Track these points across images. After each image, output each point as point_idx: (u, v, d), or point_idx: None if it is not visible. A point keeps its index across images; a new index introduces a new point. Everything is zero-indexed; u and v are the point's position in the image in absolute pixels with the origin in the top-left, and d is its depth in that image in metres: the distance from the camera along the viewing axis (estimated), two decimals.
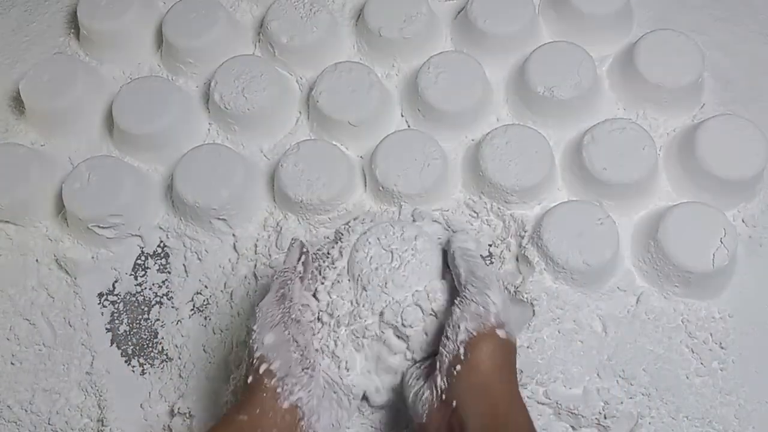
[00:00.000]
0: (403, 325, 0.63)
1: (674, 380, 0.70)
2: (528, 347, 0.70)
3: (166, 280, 0.80)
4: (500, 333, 0.57)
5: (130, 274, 0.80)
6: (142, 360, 0.76)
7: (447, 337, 0.58)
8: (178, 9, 0.88)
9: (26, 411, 0.74)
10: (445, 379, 0.56)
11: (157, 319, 0.78)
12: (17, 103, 0.90)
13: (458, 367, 0.56)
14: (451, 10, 0.90)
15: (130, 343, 0.77)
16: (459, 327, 0.57)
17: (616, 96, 0.83)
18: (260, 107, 0.82)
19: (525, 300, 0.71)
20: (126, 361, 0.76)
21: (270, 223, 0.79)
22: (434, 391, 0.57)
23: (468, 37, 0.86)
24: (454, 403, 0.55)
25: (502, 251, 0.76)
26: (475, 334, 0.56)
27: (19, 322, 0.78)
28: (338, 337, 0.64)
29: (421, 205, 0.77)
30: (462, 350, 0.56)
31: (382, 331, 0.64)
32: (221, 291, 0.77)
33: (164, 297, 0.79)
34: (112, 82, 0.90)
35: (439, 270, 0.67)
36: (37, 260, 0.81)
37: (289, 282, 0.62)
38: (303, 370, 0.58)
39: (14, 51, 0.95)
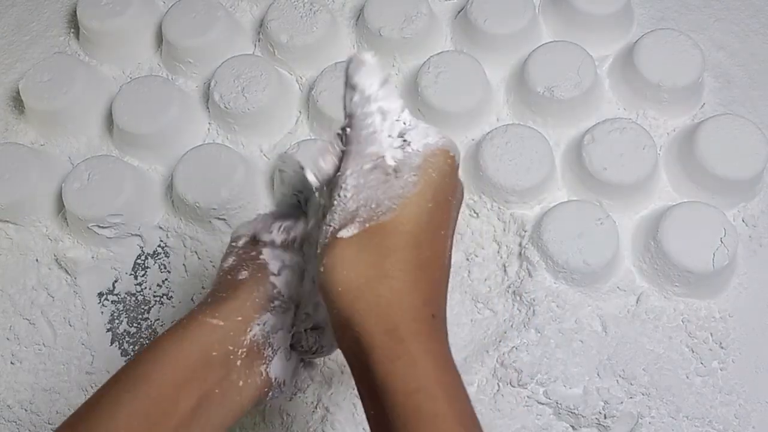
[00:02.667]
0: None
1: (674, 380, 0.70)
2: (528, 347, 0.70)
3: (166, 279, 0.80)
4: (342, 233, 0.41)
5: (130, 274, 0.80)
6: None
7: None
8: (177, 8, 0.88)
9: (26, 411, 0.74)
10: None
11: (157, 319, 0.78)
12: (17, 102, 0.90)
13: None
14: (451, 9, 0.90)
15: (130, 342, 0.77)
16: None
17: (616, 96, 0.83)
18: (260, 107, 0.82)
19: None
20: (126, 361, 0.76)
21: None
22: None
23: (468, 37, 0.86)
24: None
25: (501, 251, 0.76)
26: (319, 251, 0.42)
27: (18, 321, 0.78)
28: None
29: None
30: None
31: None
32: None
33: (164, 297, 0.79)
34: (112, 81, 0.90)
35: None
36: (37, 260, 0.81)
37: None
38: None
39: (14, 50, 0.95)
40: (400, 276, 0.40)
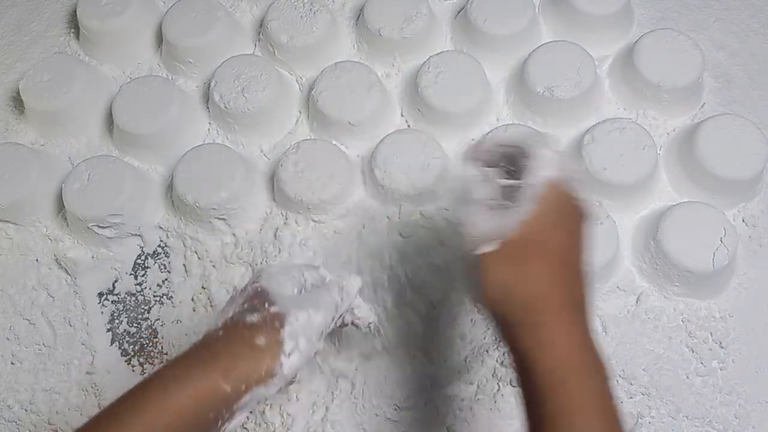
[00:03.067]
0: None
1: (674, 380, 0.70)
2: None
3: (166, 279, 0.80)
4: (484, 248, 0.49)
5: (130, 274, 0.80)
6: (142, 359, 0.76)
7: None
8: (177, 9, 0.88)
9: (26, 411, 0.74)
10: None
11: (157, 319, 0.78)
12: (17, 102, 0.90)
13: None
14: (451, 9, 0.90)
15: (130, 342, 0.77)
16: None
17: (616, 96, 0.84)
18: (260, 107, 0.82)
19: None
20: (126, 361, 0.76)
21: (270, 222, 0.79)
22: None
23: (468, 37, 0.86)
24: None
25: None
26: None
27: (19, 321, 0.78)
28: None
29: (421, 204, 0.77)
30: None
31: None
32: (221, 291, 0.77)
33: (164, 296, 0.79)
34: (112, 81, 0.90)
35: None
36: (37, 260, 0.81)
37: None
38: None
39: (14, 50, 0.95)
40: (542, 275, 0.48)
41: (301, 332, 0.53)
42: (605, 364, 0.47)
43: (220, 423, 0.50)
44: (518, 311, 0.48)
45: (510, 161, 0.54)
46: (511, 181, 0.52)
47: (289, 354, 0.52)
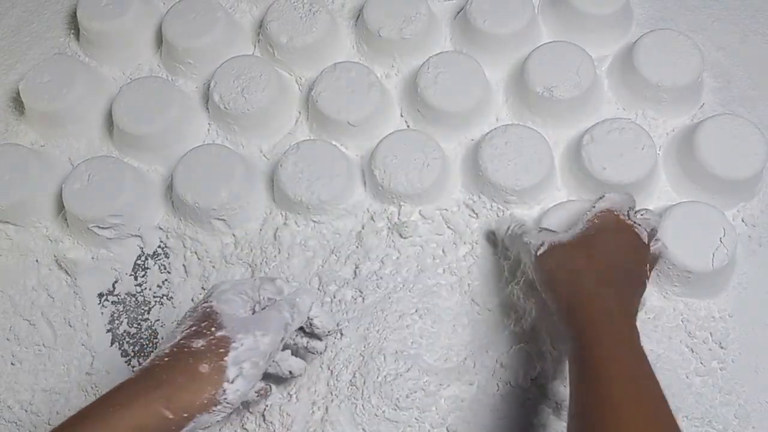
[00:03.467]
0: None
1: (674, 380, 0.70)
2: (527, 347, 0.70)
3: (166, 280, 0.80)
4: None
5: (130, 275, 0.80)
6: (142, 360, 0.76)
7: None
8: (177, 9, 0.88)
9: (26, 411, 0.74)
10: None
11: (157, 320, 0.78)
12: (17, 103, 0.90)
13: None
14: (450, 10, 0.90)
15: (130, 343, 0.77)
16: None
17: (615, 96, 0.84)
18: (260, 107, 0.82)
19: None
20: (126, 362, 0.76)
21: (269, 223, 0.79)
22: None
23: (467, 37, 0.86)
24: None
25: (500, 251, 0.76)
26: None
27: (19, 322, 0.78)
28: None
29: (420, 204, 0.77)
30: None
31: None
32: None
33: (164, 297, 0.79)
34: (112, 82, 0.90)
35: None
36: (37, 260, 0.81)
37: None
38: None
39: (14, 51, 0.95)
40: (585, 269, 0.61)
41: (246, 357, 0.54)
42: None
43: None
44: (575, 299, 0.58)
45: None
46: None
47: (233, 380, 0.53)
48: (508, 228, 0.72)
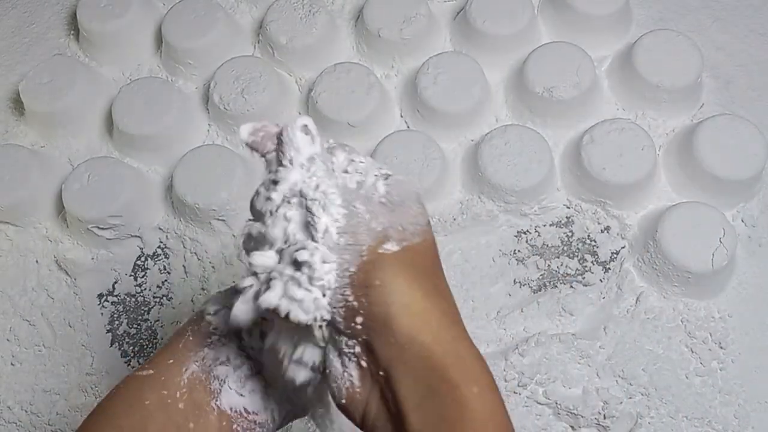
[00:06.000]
0: None
1: (673, 380, 0.70)
2: (527, 347, 0.70)
3: (166, 280, 0.80)
4: (387, 247, 0.40)
5: (130, 275, 0.80)
6: (142, 361, 0.76)
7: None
8: (177, 10, 0.88)
9: (26, 412, 0.75)
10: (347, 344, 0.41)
11: (157, 320, 0.78)
12: (17, 104, 0.90)
13: (358, 319, 0.39)
14: (450, 10, 0.90)
15: (130, 343, 0.77)
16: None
17: (615, 96, 0.84)
18: (260, 108, 0.82)
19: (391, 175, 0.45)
20: (126, 362, 0.76)
21: None
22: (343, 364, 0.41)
23: (467, 38, 0.86)
24: (379, 372, 0.40)
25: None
26: (353, 270, 0.40)
27: (19, 322, 0.78)
28: None
29: None
30: (351, 298, 0.39)
31: None
32: (221, 292, 0.77)
33: (164, 298, 0.79)
34: (112, 83, 0.90)
35: None
36: (37, 261, 0.81)
37: None
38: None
39: (14, 52, 0.95)
40: (440, 291, 0.42)
41: None
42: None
43: (170, 401, 0.45)
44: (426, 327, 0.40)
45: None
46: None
47: (215, 312, 0.48)
48: None
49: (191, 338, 0.48)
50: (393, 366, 0.39)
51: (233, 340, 0.48)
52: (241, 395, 0.47)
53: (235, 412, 0.46)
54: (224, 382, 0.46)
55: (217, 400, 0.46)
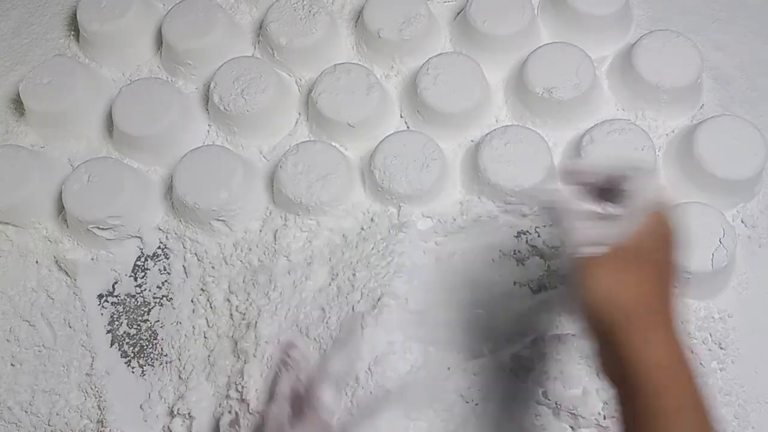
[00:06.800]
0: None
1: None
2: (527, 347, 0.70)
3: (166, 281, 0.80)
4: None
5: (130, 276, 0.80)
6: (141, 361, 0.76)
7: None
8: (177, 11, 0.88)
9: (26, 412, 0.74)
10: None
11: (157, 321, 0.78)
12: (17, 105, 0.90)
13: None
14: (450, 11, 0.90)
15: (129, 344, 0.77)
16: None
17: (615, 97, 0.84)
18: (259, 108, 0.82)
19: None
20: (126, 363, 0.76)
21: (269, 224, 0.79)
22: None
23: (467, 39, 0.86)
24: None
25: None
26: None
27: (19, 323, 0.78)
28: None
29: (419, 206, 0.77)
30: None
31: None
32: (220, 292, 0.77)
33: (164, 298, 0.79)
34: (112, 83, 0.90)
35: None
36: (37, 262, 0.81)
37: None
38: None
39: (14, 53, 0.95)
40: (642, 284, 0.51)
41: None
42: (697, 369, 0.50)
43: None
44: (622, 313, 0.50)
45: (609, 184, 0.55)
46: (612, 207, 0.54)
47: None
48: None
49: None
50: None
51: None
52: None
53: None
54: None
55: None
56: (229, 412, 0.70)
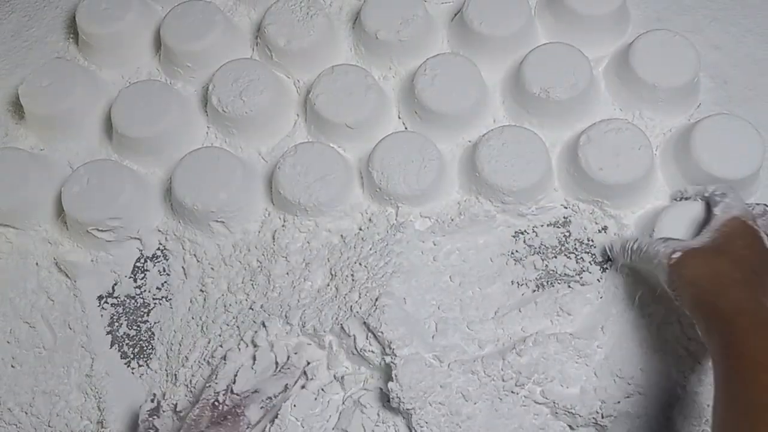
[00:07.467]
0: None
1: (670, 380, 0.70)
2: (525, 347, 0.70)
3: (166, 282, 0.80)
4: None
5: (130, 277, 0.81)
6: (141, 362, 0.77)
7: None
8: (176, 13, 0.88)
9: (26, 413, 0.75)
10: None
11: (157, 322, 0.78)
12: (17, 107, 0.90)
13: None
14: (447, 12, 0.90)
15: (130, 345, 0.78)
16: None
17: (612, 96, 0.84)
18: (258, 110, 0.82)
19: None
20: (126, 364, 0.77)
21: (268, 225, 0.79)
22: None
23: (464, 39, 0.86)
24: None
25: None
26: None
27: (19, 325, 0.79)
28: None
29: (417, 206, 0.77)
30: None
31: None
32: (220, 293, 0.77)
33: (163, 299, 0.79)
34: (111, 86, 0.90)
35: None
36: (36, 263, 0.81)
37: None
38: None
39: (13, 56, 0.96)
40: (735, 272, 0.59)
41: None
42: None
43: None
44: (722, 297, 0.56)
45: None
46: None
47: None
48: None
49: None
50: None
51: None
52: None
53: None
54: None
55: None
56: (152, 400, 0.71)
